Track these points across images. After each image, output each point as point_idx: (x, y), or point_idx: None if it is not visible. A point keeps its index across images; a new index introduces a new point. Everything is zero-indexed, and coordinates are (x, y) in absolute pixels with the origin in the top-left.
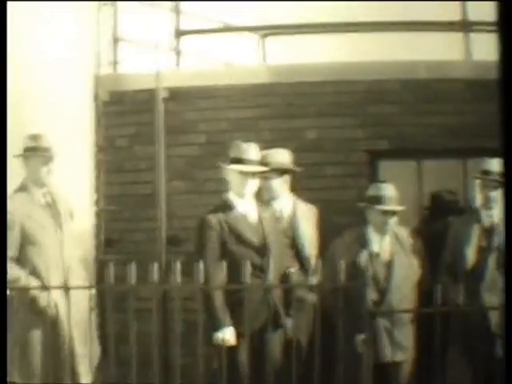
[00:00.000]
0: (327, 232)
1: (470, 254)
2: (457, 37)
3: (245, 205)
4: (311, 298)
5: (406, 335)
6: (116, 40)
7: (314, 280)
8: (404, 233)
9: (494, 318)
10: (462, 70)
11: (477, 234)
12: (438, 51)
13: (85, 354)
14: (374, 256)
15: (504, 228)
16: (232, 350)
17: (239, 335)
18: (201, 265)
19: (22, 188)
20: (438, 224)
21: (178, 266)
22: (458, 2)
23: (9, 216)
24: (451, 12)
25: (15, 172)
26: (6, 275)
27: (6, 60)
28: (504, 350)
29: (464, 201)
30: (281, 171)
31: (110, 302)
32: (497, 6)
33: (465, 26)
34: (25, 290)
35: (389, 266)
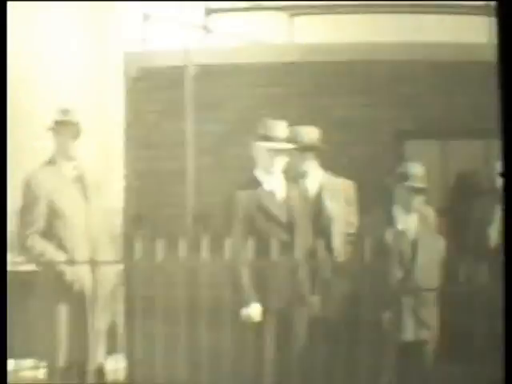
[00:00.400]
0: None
1: (494, 234)
2: (481, 20)
3: (272, 182)
4: (335, 277)
5: (431, 314)
6: (146, 17)
7: (340, 257)
8: (429, 212)
9: None
10: (487, 53)
11: (500, 214)
12: (464, 34)
13: (104, 329)
14: (399, 234)
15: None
16: (258, 327)
17: (265, 312)
18: (228, 241)
19: (51, 162)
20: (462, 204)
21: (206, 242)
22: None
23: (35, 189)
24: None
25: (43, 145)
26: (5, 273)
27: (6, 60)
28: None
29: (488, 181)
30: (308, 148)
31: (137, 278)
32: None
33: (489, 11)
34: (51, 264)
35: (414, 244)
